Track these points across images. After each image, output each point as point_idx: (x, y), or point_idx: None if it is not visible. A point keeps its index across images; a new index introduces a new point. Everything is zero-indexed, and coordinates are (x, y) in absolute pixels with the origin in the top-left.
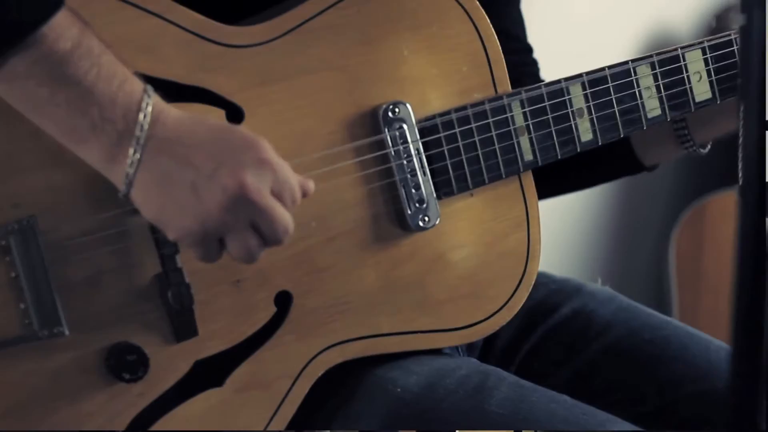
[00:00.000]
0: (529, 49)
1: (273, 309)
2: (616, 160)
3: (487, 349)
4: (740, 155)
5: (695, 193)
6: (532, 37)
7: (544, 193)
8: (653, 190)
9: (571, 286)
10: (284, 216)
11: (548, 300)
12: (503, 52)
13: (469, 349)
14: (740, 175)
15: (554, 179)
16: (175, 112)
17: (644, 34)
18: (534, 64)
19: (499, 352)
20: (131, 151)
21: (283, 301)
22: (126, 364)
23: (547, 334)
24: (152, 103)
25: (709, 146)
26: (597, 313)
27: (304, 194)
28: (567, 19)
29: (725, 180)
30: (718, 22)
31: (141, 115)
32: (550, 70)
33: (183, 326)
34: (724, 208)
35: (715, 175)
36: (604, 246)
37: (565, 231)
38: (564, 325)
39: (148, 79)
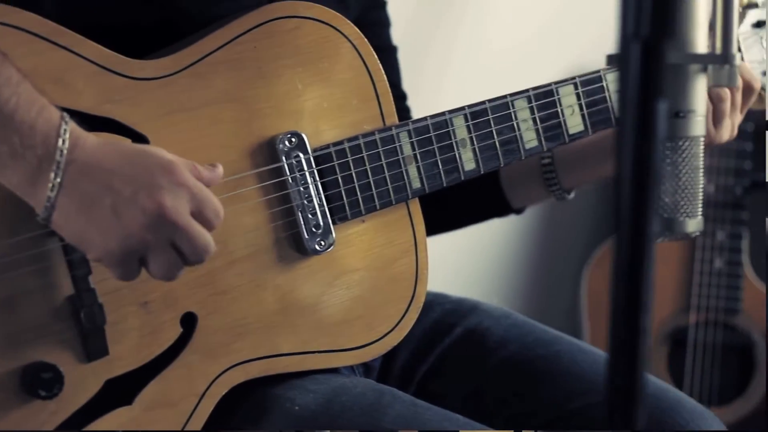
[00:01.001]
0: (403, 96)
1: (179, 330)
2: (487, 201)
3: (385, 371)
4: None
5: (609, 232)
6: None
7: (432, 226)
8: (571, 225)
9: (467, 305)
10: (203, 234)
11: (444, 320)
12: None
13: (367, 370)
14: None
15: (427, 217)
16: (92, 137)
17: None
18: (407, 110)
19: (397, 373)
20: (52, 175)
21: (189, 322)
22: (42, 381)
23: (443, 354)
24: (70, 129)
25: (573, 193)
26: (491, 331)
27: (217, 179)
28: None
29: None
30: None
31: (60, 141)
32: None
33: (94, 346)
34: None
35: None
36: (523, 277)
37: (484, 259)
38: (459, 344)
39: (58, 109)
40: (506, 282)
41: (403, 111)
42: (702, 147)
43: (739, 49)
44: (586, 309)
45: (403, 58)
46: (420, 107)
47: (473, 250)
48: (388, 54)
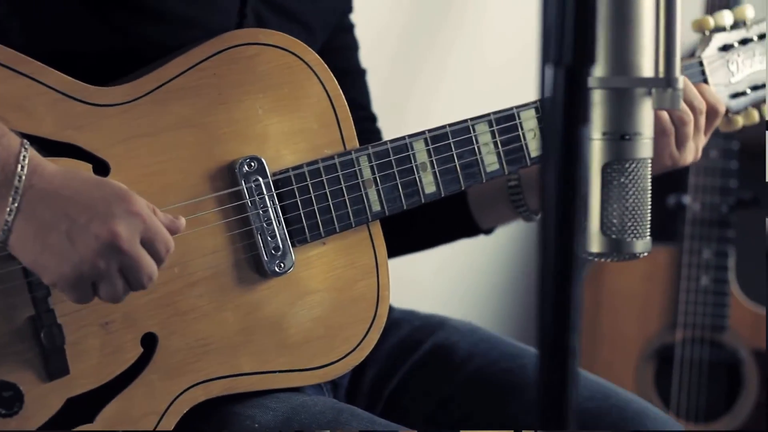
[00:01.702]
0: (373, 118)
1: (140, 350)
2: (454, 222)
3: (354, 388)
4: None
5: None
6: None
7: (391, 250)
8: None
9: (435, 321)
10: (149, 264)
11: (412, 337)
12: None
13: (335, 387)
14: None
15: (397, 238)
16: (51, 165)
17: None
18: (378, 132)
19: (366, 390)
20: (10, 200)
21: (149, 342)
22: (2, 399)
23: (411, 370)
24: (29, 156)
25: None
26: (459, 345)
27: (176, 230)
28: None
29: None
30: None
31: (19, 167)
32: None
33: (55, 365)
34: (621, 266)
35: None
36: (510, 296)
37: (471, 279)
38: (427, 360)
39: (20, 135)
40: (496, 303)
41: (373, 133)
42: (649, 168)
43: (703, 73)
44: None
45: (395, 74)
46: (412, 124)
47: (456, 267)
48: (356, 77)
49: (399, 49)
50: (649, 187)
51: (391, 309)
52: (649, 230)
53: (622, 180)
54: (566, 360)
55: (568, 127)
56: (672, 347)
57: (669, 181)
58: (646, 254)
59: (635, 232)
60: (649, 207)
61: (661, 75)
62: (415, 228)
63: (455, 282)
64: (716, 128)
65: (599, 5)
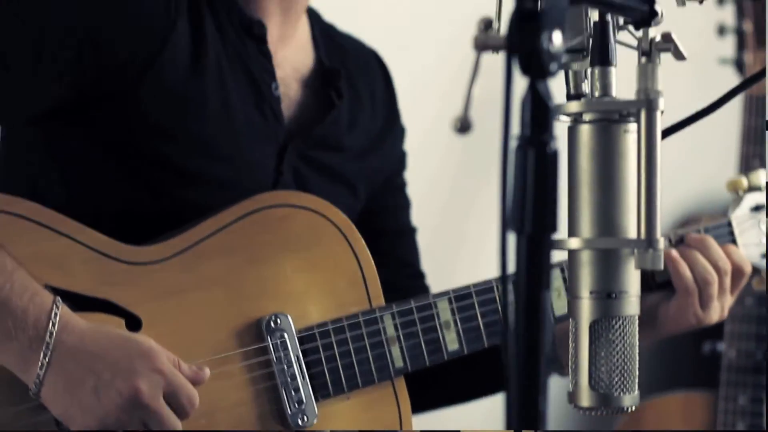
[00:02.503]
0: (421, 275)
1: None
2: (485, 376)
3: None
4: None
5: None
6: None
7: (420, 404)
8: None
9: None
10: (172, 418)
11: None
12: (398, 278)
13: None
14: None
15: (425, 391)
16: (81, 322)
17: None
18: (426, 288)
19: None
20: (41, 354)
21: None
22: None
23: None
24: (60, 314)
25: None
26: None
27: (200, 381)
28: None
29: (665, 384)
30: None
31: (50, 324)
32: None
33: None
34: (660, 412)
35: (656, 379)
36: None
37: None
38: None
39: (58, 291)
40: None
41: (421, 290)
42: (636, 325)
43: (731, 233)
44: None
45: (443, 229)
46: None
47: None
48: (406, 236)
49: (448, 204)
50: (636, 343)
51: None
52: (636, 384)
53: (610, 336)
54: None
55: (531, 294)
56: None
57: (705, 328)
58: (634, 408)
59: (623, 386)
60: (637, 362)
61: (642, 236)
62: (445, 383)
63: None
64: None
65: (582, 173)
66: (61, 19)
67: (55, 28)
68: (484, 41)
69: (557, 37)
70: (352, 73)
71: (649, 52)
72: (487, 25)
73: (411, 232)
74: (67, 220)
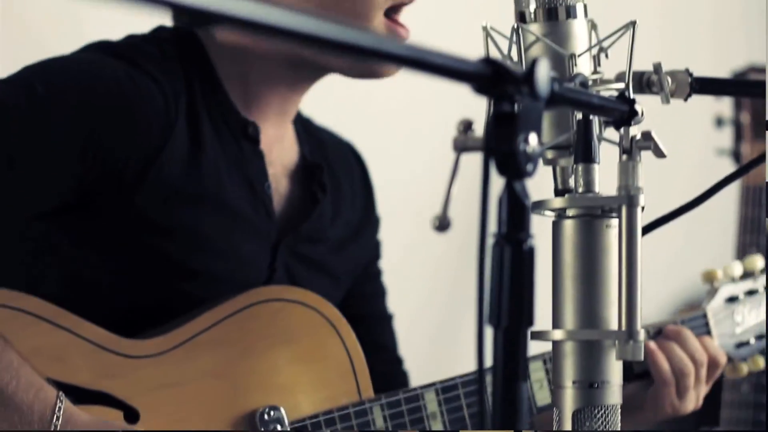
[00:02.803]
0: (399, 361)
1: None
2: None
3: None
4: None
5: None
6: None
7: None
8: None
9: None
10: None
11: None
12: (376, 363)
13: None
14: None
15: None
16: (83, 416)
17: None
18: (404, 374)
19: None
20: None
21: None
22: None
23: None
24: (64, 407)
25: None
26: None
27: None
28: None
29: None
30: None
31: (55, 418)
32: None
33: None
34: None
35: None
36: None
37: None
38: None
39: (58, 384)
40: None
41: (399, 375)
42: (619, 414)
43: (707, 324)
44: None
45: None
46: (444, 366)
47: None
48: (383, 321)
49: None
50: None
51: None
52: None
53: (592, 425)
54: None
55: (508, 385)
56: None
57: (702, 414)
58: None
59: None
60: None
61: (623, 328)
62: None
63: None
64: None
65: (566, 267)
66: (63, 121)
67: (57, 130)
68: (463, 143)
69: (533, 139)
70: (332, 166)
71: (630, 150)
72: (466, 126)
73: (388, 318)
74: (67, 313)
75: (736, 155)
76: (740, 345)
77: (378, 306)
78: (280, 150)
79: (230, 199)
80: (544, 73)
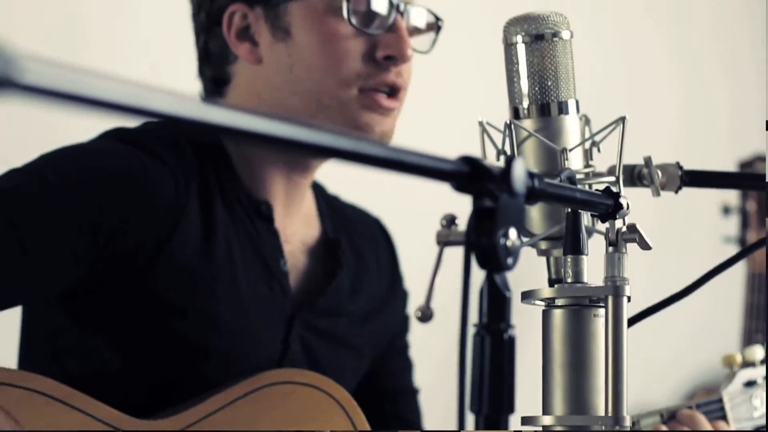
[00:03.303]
0: None
1: None
2: None
3: None
4: None
5: None
6: None
7: None
8: None
9: None
10: None
11: None
12: None
13: None
14: None
15: None
16: None
17: None
18: None
19: None
20: None
21: None
22: None
23: None
24: None
25: None
26: None
27: None
28: None
29: None
30: None
31: None
32: None
33: None
34: None
35: None
36: None
37: None
38: None
39: None
40: None
41: None
42: None
43: (722, 409)
44: None
45: None
46: None
47: None
48: (407, 397)
49: None
50: None
51: None
52: None
53: None
54: None
55: None
56: None
57: None
58: None
59: None
60: None
61: (610, 414)
62: None
63: None
64: None
65: (555, 354)
66: (72, 208)
67: (66, 217)
68: (446, 236)
69: (513, 234)
70: (356, 241)
71: (616, 242)
72: (449, 221)
73: (413, 392)
74: (80, 394)
75: (742, 242)
76: (759, 430)
77: (404, 380)
78: (297, 226)
79: (242, 278)
80: (520, 171)
